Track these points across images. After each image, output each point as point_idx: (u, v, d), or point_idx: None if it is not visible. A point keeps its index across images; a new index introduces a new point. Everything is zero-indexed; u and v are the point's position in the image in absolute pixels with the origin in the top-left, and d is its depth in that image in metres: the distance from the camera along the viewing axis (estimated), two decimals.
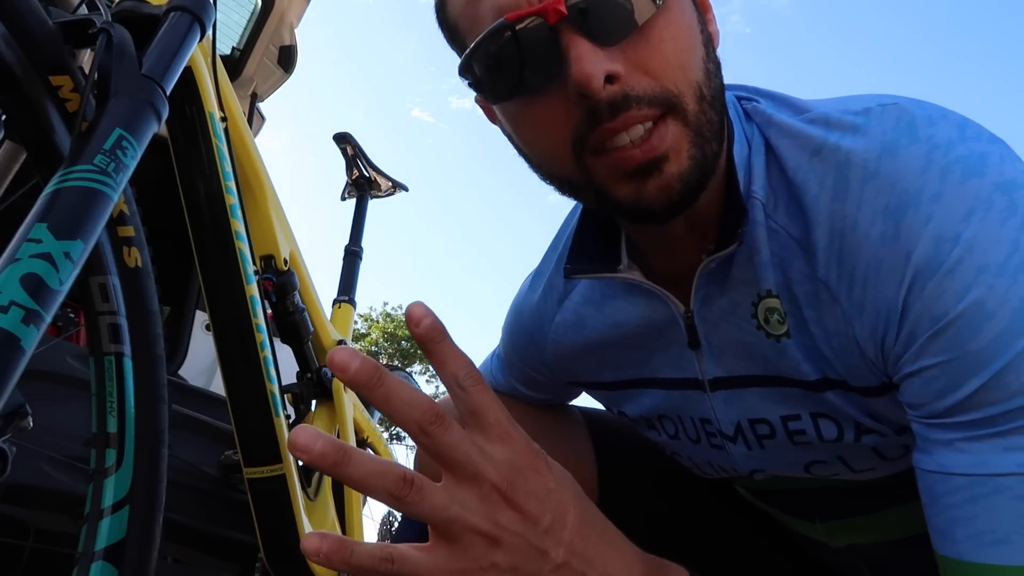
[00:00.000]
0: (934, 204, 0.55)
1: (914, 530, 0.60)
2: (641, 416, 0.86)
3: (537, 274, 0.90)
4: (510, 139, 0.68)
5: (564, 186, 0.66)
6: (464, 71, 0.64)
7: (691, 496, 0.98)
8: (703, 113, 0.60)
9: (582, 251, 0.75)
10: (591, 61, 0.56)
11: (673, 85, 0.58)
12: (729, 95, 0.68)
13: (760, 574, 0.99)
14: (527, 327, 0.89)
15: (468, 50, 0.62)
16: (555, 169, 0.65)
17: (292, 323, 1.18)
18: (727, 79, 0.66)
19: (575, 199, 0.70)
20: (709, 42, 0.63)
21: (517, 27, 0.58)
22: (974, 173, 0.55)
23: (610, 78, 0.57)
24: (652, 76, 0.58)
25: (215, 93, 0.94)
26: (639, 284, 0.72)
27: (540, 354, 0.89)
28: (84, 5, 0.74)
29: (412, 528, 1.08)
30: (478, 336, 33.91)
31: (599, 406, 0.95)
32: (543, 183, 0.68)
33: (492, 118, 0.71)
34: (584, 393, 0.97)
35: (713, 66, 0.62)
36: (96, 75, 0.67)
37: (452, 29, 0.67)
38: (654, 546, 0.98)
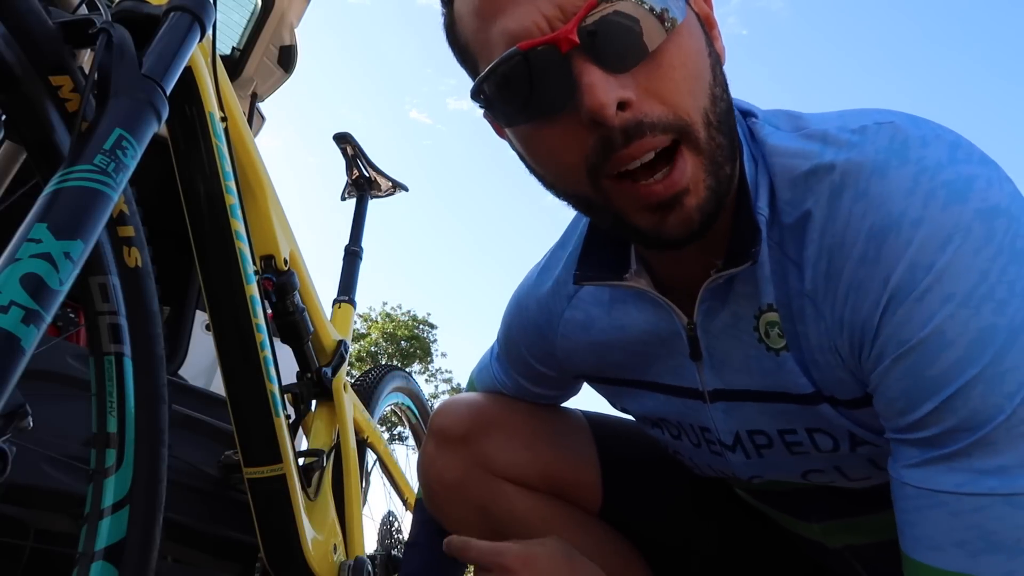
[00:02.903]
0: (915, 230, 0.56)
1: None
2: (643, 415, 0.87)
3: (545, 268, 0.90)
4: (522, 158, 0.69)
5: (580, 204, 0.67)
6: (476, 95, 0.65)
7: (693, 498, 0.98)
8: (712, 139, 0.61)
9: (592, 256, 0.77)
10: (604, 89, 0.57)
11: (684, 112, 0.59)
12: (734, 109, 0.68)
13: (758, 574, 0.99)
14: (535, 320, 0.89)
15: (480, 77, 0.62)
16: (570, 189, 0.66)
17: (292, 323, 1.18)
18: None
19: (590, 217, 0.72)
20: (717, 63, 0.64)
21: (529, 56, 0.58)
22: (957, 199, 0.56)
23: (622, 105, 0.57)
24: (663, 103, 0.59)
25: (215, 93, 0.93)
26: (645, 293, 0.73)
27: (549, 347, 0.89)
28: (84, 5, 0.74)
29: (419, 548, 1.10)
30: (477, 333, 33.92)
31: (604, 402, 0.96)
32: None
33: (501, 133, 0.71)
34: (588, 387, 0.97)
35: (720, 89, 0.63)
36: (96, 75, 0.66)
37: (463, 50, 0.67)
38: (656, 548, 0.99)
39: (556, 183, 0.67)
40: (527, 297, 0.91)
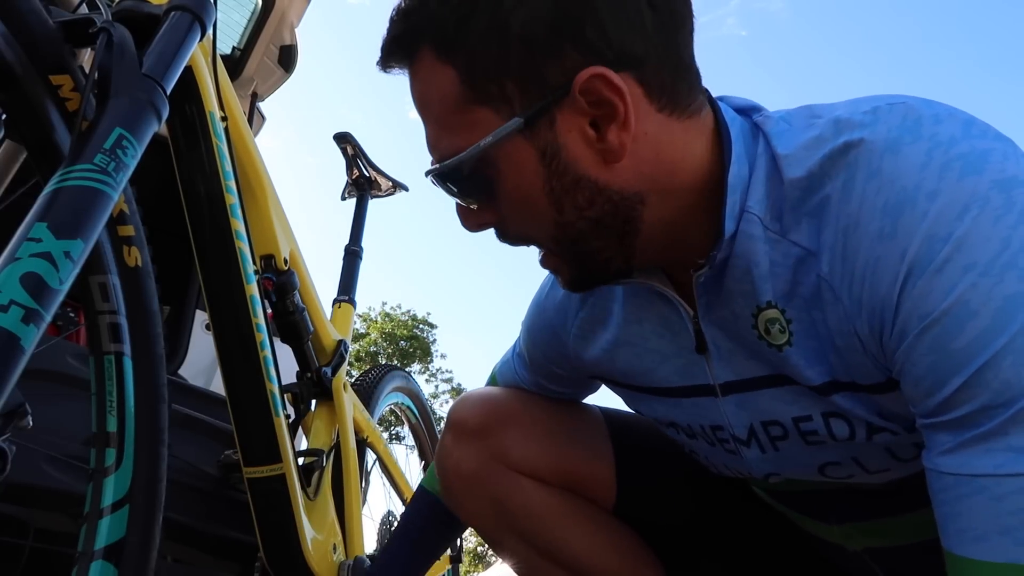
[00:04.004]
0: (931, 202, 0.55)
1: (930, 535, 0.60)
2: (655, 418, 0.87)
3: None
4: None
5: None
6: None
7: (708, 496, 0.98)
8: (568, 250, 0.68)
9: None
10: (465, 218, 0.70)
11: (525, 236, 0.70)
12: (728, 111, 0.68)
13: (774, 575, 0.99)
14: (551, 322, 0.90)
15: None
16: None
17: (292, 323, 1.18)
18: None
19: None
20: (572, 187, 0.64)
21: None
22: (973, 170, 0.55)
23: (486, 226, 0.70)
24: (513, 226, 0.69)
25: (215, 93, 0.94)
26: (654, 287, 0.74)
27: (563, 348, 0.90)
28: (84, 4, 0.74)
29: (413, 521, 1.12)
30: (477, 333, 33.96)
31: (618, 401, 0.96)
32: None
33: None
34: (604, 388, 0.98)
35: (573, 211, 0.65)
36: (96, 74, 0.67)
37: None
38: (670, 546, 0.99)
39: None
40: (546, 299, 0.92)
